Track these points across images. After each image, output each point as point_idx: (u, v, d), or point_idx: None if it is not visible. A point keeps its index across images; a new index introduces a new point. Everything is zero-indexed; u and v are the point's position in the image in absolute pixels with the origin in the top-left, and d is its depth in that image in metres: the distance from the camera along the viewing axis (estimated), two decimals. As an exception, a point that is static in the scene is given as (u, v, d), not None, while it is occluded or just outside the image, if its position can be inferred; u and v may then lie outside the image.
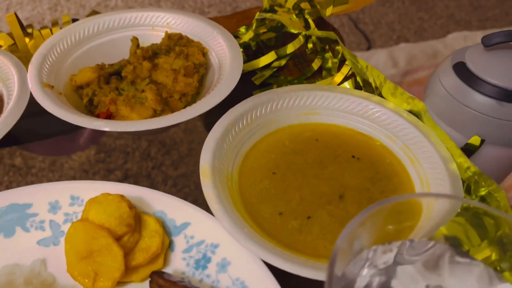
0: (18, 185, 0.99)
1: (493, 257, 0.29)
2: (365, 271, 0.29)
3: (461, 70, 0.41)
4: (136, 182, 0.96)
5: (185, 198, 0.94)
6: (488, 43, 0.39)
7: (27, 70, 0.49)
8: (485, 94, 0.39)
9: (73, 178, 1.02)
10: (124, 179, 0.99)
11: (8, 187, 0.99)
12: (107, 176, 1.03)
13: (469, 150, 0.41)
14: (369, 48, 2.04)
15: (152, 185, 0.95)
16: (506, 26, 2.38)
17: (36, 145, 0.70)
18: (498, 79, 0.39)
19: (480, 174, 0.39)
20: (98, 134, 0.70)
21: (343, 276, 0.28)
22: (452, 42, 2.23)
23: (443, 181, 0.39)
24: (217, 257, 0.37)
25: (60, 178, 1.02)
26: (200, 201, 0.87)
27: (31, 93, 0.46)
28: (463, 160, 0.40)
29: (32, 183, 1.02)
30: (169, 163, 0.99)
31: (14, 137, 0.52)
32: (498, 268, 0.28)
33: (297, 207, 0.40)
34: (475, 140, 0.41)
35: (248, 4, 2.11)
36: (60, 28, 0.63)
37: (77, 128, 0.50)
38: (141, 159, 1.05)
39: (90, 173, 1.04)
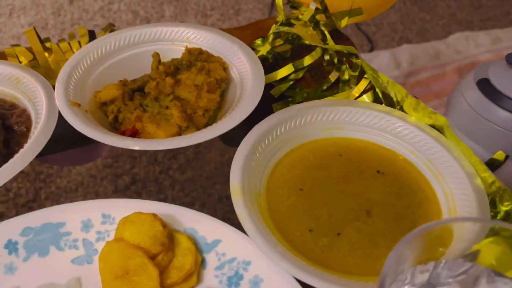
0: (27, 191, 0.99)
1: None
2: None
3: (485, 86, 0.42)
4: (143, 187, 0.97)
5: (193, 202, 0.95)
6: (511, 59, 0.40)
7: (51, 86, 0.50)
8: (509, 110, 0.40)
9: (81, 183, 1.02)
10: (131, 184, 0.99)
11: (16, 193, 0.99)
12: (114, 181, 1.03)
13: (493, 165, 0.42)
14: (371, 49, 2.05)
15: (160, 190, 0.95)
16: (507, 25, 2.39)
17: (50, 157, 0.71)
18: (522, 96, 0.40)
19: (505, 189, 0.40)
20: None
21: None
22: (454, 42, 2.24)
23: (468, 196, 0.40)
24: (249, 274, 0.38)
25: (68, 183, 1.02)
26: (208, 205, 0.88)
27: (59, 112, 0.46)
28: (488, 175, 0.41)
29: (40, 189, 1.02)
30: (176, 168, 1.00)
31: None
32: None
33: (326, 223, 0.40)
34: (499, 155, 0.41)
35: (250, 6, 2.11)
36: (78, 41, 0.64)
37: (94, 141, 0.51)
38: (148, 164, 1.05)
39: (98, 178, 1.05)
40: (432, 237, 0.28)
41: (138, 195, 0.93)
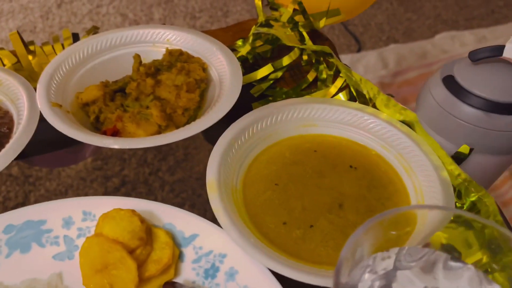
0: (16, 195, 0.99)
1: (484, 260, 0.32)
2: (366, 276, 0.32)
3: (450, 83, 0.44)
4: (133, 189, 0.98)
5: (183, 203, 0.95)
6: (474, 58, 0.42)
7: (34, 89, 0.51)
8: (472, 106, 0.42)
9: (71, 186, 1.03)
10: (121, 186, 1.00)
11: (5, 196, 1.00)
12: (104, 183, 1.04)
13: (458, 158, 0.44)
14: (359, 50, 2.08)
15: (150, 191, 0.96)
16: (492, 24, 2.42)
17: (37, 159, 0.71)
18: (484, 91, 0.42)
19: (470, 180, 0.42)
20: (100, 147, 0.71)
21: (347, 283, 0.30)
22: (440, 42, 2.27)
23: (435, 188, 0.42)
24: (225, 266, 0.39)
25: (58, 186, 1.03)
26: (198, 206, 0.89)
27: (40, 113, 0.47)
28: (454, 167, 0.43)
29: (29, 192, 1.02)
30: (165, 169, 1.01)
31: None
32: (489, 269, 0.31)
33: (300, 216, 0.42)
34: (464, 149, 0.43)
35: (238, 8, 2.13)
36: (62, 44, 0.65)
37: (78, 142, 0.53)
38: (137, 165, 1.06)
39: (88, 181, 1.05)
40: (390, 224, 0.29)
41: (128, 196, 0.94)
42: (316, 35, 0.71)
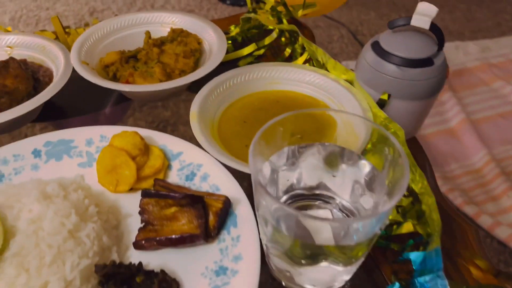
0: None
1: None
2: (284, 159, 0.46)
3: (376, 47, 0.58)
4: (138, 125, 1.10)
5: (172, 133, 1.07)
6: (392, 26, 0.56)
7: (68, 52, 0.67)
8: (391, 62, 0.56)
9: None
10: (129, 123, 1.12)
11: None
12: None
13: (381, 104, 0.57)
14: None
15: (149, 126, 1.09)
16: (497, 36, 2.52)
17: (69, 122, 0.86)
18: (399, 51, 0.56)
19: (388, 119, 0.56)
20: (121, 113, 0.86)
21: (271, 161, 0.44)
22: (444, 50, 2.37)
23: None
24: (200, 172, 0.54)
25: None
26: (183, 136, 1.00)
27: (73, 68, 0.64)
28: (377, 110, 0.57)
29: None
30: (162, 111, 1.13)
31: (54, 112, 0.70)
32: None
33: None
34: (384, 95, 0.57)
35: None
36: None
37: (101, 108, 0.68)
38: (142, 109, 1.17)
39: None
40: (304, 121, 0.44)
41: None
42: (298, 24, 0.86)
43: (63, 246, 0.42)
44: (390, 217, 0.51)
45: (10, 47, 0.69)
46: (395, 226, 0.50)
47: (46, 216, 0.44)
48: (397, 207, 0.53)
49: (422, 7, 0.54)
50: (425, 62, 0.55)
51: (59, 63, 0.66)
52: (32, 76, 0.64)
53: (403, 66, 0.56)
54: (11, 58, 0.64)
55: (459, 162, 1.69)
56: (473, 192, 1.57)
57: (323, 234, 0.38)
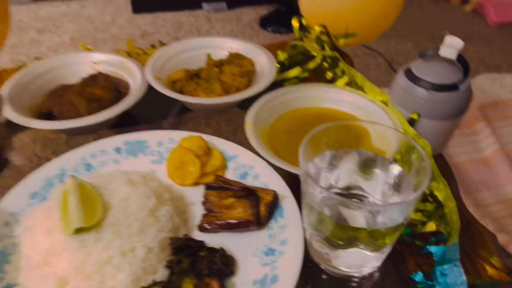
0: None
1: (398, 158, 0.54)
2: (326, 161, 0.55)
3: (408, 73, 0.67)
4: (202, 131, 1.20)
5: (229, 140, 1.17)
6: (422, 56, 0.65)
7: (143, 68, 0.80)
8: (421, 87, 0.65)
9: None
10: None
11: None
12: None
13: (412, 121, 0.66)
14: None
15: (210, 133, 1.20)
16: (535, 69, 2.54)
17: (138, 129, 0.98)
18: (429, 77, 0.64)
19: (417, 135, 0.64)
20: (181, 122, 0.98)
21: (314, 163, 0.54)
22: (479, 82, 2.42)
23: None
24: (252, 172, 0.64)
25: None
26: (238, 142, 1.07)
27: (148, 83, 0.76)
28: (408, 127, 0.65)
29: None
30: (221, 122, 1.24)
31: (125, 119, 0.82)
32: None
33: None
34: (414, 115, 0.66)
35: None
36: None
37: (165, 117, 0.80)
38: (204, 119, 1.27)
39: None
40: (342, 132, 0.53)
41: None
42: (338, 52, 0.96)
43: (145, 221, 0.53)
44: (416, 217, 0.59)
45: (95, 63, 0.83)
46: (419, 226, 0.58)
47: (132, 197, 0.55)
48: (422, 211, 0.61)
49: (449, 40, 0.63)
50: (451, 87, 0.64)
51: (136, 78, 0.78)
52: (116, 89, 0.77)
53: (431, 90, 0.64)
54: (100, 72, 0.77)
55: (492, 190, 1.71)
56: (505, 221, 1.59)
57: (358, 219, 0.47)
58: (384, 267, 0.56)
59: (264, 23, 3.18)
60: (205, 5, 3.26)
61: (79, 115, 0.71)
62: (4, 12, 0.92)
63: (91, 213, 0.51)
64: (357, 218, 0.48)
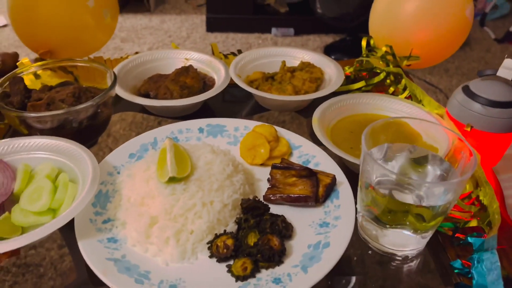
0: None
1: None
2: (382, 152, 0.63)
3: (466, 90, 0.74)
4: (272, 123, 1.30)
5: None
6: (481, 75, 0.72)
7: (227, 67, 0.92)
8: (477, 102, 0.71)
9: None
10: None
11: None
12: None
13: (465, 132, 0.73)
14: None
15: (280, 125, 1.30)
16: None
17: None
18: (485, 94, 0.71)
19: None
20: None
21: (371, 153, 0.62)
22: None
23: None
24: (314, 161, 0.73)
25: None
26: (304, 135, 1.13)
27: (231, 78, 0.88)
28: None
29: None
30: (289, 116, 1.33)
31: (210, 111, 0.94)
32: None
33: (359, 145, 0.74)
34: (468, 126, 0.72)
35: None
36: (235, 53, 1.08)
37: (240, 111, 0.92)
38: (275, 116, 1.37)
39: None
40: (395, 129, 0.61)
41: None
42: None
43: (223, 182, 0.63)
44: (460, 214, 0.64)
45: (187, 59, 0.97)
46: (462, 222, 0.64)
47: (215, 162, 0.65)
48: (468, 212, 0.66)
49: (508, 62, 0.70)
50: (505, 105, 0.70)
51: (220, 74, 0.91)
52: (203, 81, 0.90)
53: (487, 105, 0.71)
54: (190, 65, 0.90)
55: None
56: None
57: (407, 200, 0.54)
58: (426, 253, 0.62)
59: (328, 50, 3.29)
60: (273, 30, 3.44)
61: (172, 98, 0.84)
62: (116, 10, 1.09)
63: (182, 168, 0.62)
64: (406, 199, 0.55)
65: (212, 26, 3.44)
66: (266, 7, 3.52)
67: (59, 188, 0.63)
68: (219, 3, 3.37)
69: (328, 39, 3.40)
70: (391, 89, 0.95)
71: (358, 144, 0.75)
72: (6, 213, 0.60)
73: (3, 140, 0.68)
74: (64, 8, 0.98)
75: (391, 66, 0.96)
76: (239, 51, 1.06)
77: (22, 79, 0.76)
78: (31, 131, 0.71)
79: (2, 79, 0.74)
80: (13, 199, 0.63)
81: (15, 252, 0.60)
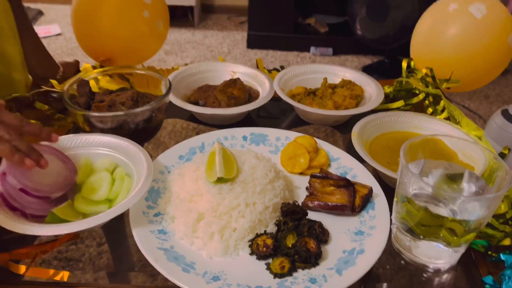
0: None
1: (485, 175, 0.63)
2: (419, 167, 0.65)
3: (505, 113, 0.76)
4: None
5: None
6: (520, 100, 0.74)
7: (272, 81, 0.98)
8: (515, 125, 0.73)
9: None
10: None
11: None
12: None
13: (502, 156, 0.74)
14: None
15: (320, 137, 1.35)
16: None
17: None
18: (523, 118, 0.73)
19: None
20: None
21: (409, 166, 0.65)
22: None
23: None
24: (351, 173, 0.76)
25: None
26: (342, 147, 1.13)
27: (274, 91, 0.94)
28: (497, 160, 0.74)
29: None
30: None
31: (253, 122, 1.00)
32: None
33: (397, 160, 0.77)
34: (505, 149, 0.74)
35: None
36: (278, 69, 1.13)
37: (280, 124, 0.97)
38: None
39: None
40: (431, 146, 0.64)
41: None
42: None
43: (265, 186, 0.68)
44: (492, 232, 0.66)
45: (234, 72, 1.03)
46: (495, 240, 0.66)
47: (258, 167, 0.70)
48: (502, 232, 0.68)
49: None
50: (544, 129, 0.72)
51: (265, 87, 0.96)
52: (249, 92, 0.96)
53: (525, 129, 0.73)
54: (238, 78, 0.96)
55: None
56: None
57: (441, 213, 0.57)
58: (458, 268, 0.64)
59: (367, 71, 3.30)
60: (312, 49, 3.50)
61: (220, 107, 0.89)
62: (167, 20, 1.17)
63: (229, 170, 0.67)
64: (440, 213, 0.58)
65: (253, 42, 3.54)
66: (306, 27, 3.59)
67: (116, 181, 0.70)
68: (260, 21, 3.47)
69: (366, 60, 3.42)
70: (430, 109, 0.97)
71: (395, 159, 0.78)
72: (69, 200, 0.67)
73: (68, 136, 0.75)
74: (123, 19, 1.06)
75: (430, 88, 0.99)
76: (282, 67, 1.12)
77: (88, 82, 0.84)
78: (93, 129, 0.79)
79: (72, 81, 0.83)
80: (75, 189, 0.70)
81: (75, 236, 0.66)
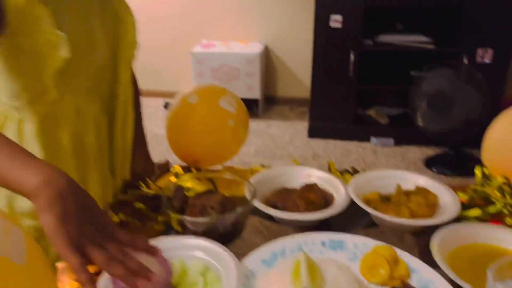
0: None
1: None
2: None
3: None
4: None
5: None
6: None
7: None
8: None
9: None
10: None
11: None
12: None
13: None
14: None
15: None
16: None
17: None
18: None
19: None
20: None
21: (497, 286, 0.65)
22: None
23: None
24: (432, 286, 0.77)
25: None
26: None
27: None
28: None
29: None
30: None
31: (328, 226, 1.04)
32: None
33: (480, 275, 0.76)
34: None
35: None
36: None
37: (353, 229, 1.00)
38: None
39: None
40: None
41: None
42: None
43: (350, 298, 0.70)
44: None
45: (309, 175, 1.10)
46: None
47: (341, 277, 0.73)
48: None
49: None
50: None
51: (340, 192, 1.02)
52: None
53: None
54: (315, 184, 1.02)
55: None
56: None
57: None
58: None
59: (430, 163, 3.28)
60: (373, 139, 3.55)
61: (298, 211, 0.95)
62: (247, 126, 1.29)
63: (314, 279, 0.71)
64: None
65: (314, 132, 3.67)
66: (366, 118, 3.69)
67: (207, 284, 0.75)
68: (321, 112, 3.62)
69: (429, 151, 3.40)
70: (508, 219, 0.96)
71: (479, 274, 0.78)
72: (167, 301, 0.73)
73: (165, 238, 0.83)
74: (211, 127, 1.20)
75: (507, 198, 0.99)
76: (354, 170, 1.17)
77: (182, 188, 0.94)
78: (185, 231, 0.87)
79: (170, 185, 0.93)
80: (170, 290, 0.76)
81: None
